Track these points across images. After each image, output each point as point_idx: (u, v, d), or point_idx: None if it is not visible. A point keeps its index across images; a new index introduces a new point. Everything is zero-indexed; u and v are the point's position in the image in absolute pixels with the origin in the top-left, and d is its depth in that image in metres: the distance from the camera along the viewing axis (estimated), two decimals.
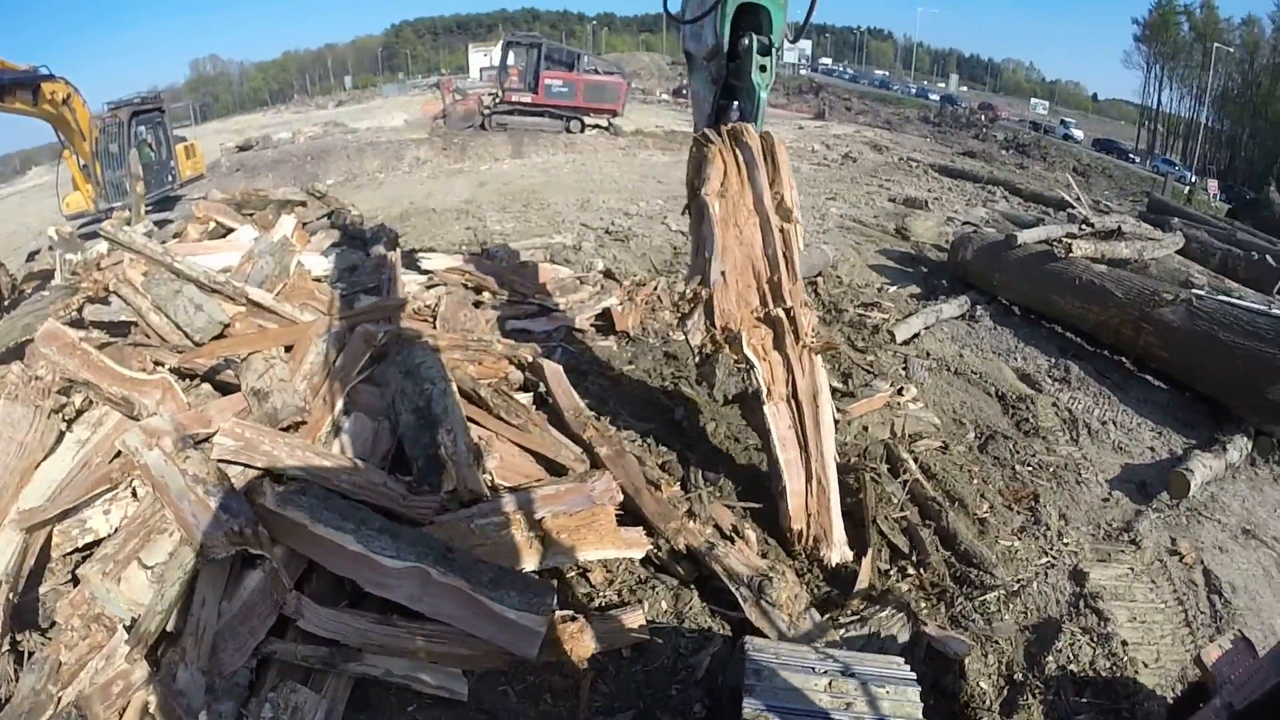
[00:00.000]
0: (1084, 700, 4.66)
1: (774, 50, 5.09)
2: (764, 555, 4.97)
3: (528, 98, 29.24)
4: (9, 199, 33.36)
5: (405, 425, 5.17)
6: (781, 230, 5.20)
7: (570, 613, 4.34)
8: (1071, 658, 4.96)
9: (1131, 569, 5.98)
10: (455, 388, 5.45)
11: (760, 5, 5.02)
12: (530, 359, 6.32)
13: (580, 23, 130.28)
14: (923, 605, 5.06)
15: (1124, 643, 5.12)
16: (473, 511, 4.56)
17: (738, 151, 5.23)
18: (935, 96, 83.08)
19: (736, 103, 5.56)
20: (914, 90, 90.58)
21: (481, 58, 74.75)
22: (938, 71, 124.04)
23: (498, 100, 29.78)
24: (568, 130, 28.88)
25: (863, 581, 4.79)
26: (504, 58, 30.51)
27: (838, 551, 4.67)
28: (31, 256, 11.20)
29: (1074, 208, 14.64)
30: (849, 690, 3.32)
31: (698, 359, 5.18)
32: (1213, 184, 50.31)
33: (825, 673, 3.42)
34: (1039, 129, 66.43)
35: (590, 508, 4.52)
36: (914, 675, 3.51)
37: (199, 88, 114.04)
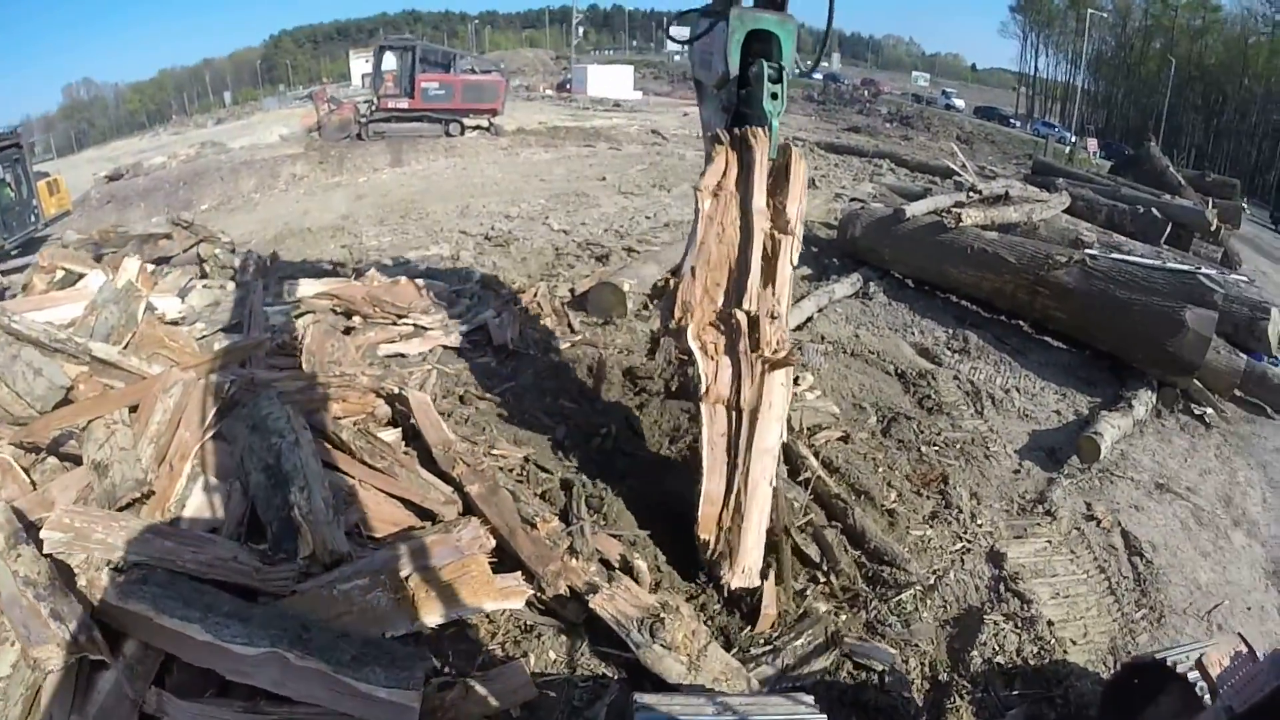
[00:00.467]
0: (1015, 692, 4.42)
1: (785, 77, 4.94)
2: (657, 585, 4.58)
3: (404, 103, 28.49)
4: None
5: (255, 486, 4.64)
6: (771, 238, 4.92)
7: (448, 677, 3.90)
8: (997, 648, 4.72)
9: (1049, 542, 5.84)
10: (310, 436, 4.92)
11: (770, 32, 4.92)
12: (397, 390, 5.82)
13: (463, 22, 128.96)
14: (841, 617, 4.73)
15: (1049, 623, 4.94)
16: (334, 576, 4.10)
17: (743, 154, 5.00)
18: (818, 76, 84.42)
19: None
20: (797, 71, 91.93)
21: (363, 64, 72.85)
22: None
23: (374, 108, 28.92)
24: (447, 134, 28.25)
25: (768, 607, 4.42)
26: (378, 63, 29.74)
27: (738, 577, 4.28)
28: None
29: (960, 175, 14.77)
30: None
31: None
32: (1092, 143, 52.44)
33: None
34: (921, 101, 68.36)
35: (460, 559, 4.07)
36: (823, 716, 3.18)
37: (73, 114, 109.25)
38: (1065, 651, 4.75)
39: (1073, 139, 55.20)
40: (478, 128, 29.81)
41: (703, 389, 4.64)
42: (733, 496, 4.46)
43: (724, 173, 5.02)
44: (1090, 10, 67.90)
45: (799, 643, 4.29)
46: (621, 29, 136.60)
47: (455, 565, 4.03)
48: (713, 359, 4.67)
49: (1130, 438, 7.46)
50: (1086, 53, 74.20)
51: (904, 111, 48.16)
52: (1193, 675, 3.48)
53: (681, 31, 5.89)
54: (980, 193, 12.73)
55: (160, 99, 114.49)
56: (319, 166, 23.19)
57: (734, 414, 4.63)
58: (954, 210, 10.84)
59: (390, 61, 29.52)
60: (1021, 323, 9.65)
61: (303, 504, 4.38)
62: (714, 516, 4.51)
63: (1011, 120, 67.89)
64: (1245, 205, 25.85)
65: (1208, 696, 3.35)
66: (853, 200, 16.15)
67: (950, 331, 9.42)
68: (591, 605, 4.00)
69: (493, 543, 4.24)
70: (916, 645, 4.63)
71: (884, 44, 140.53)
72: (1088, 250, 9.81)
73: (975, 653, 4.66)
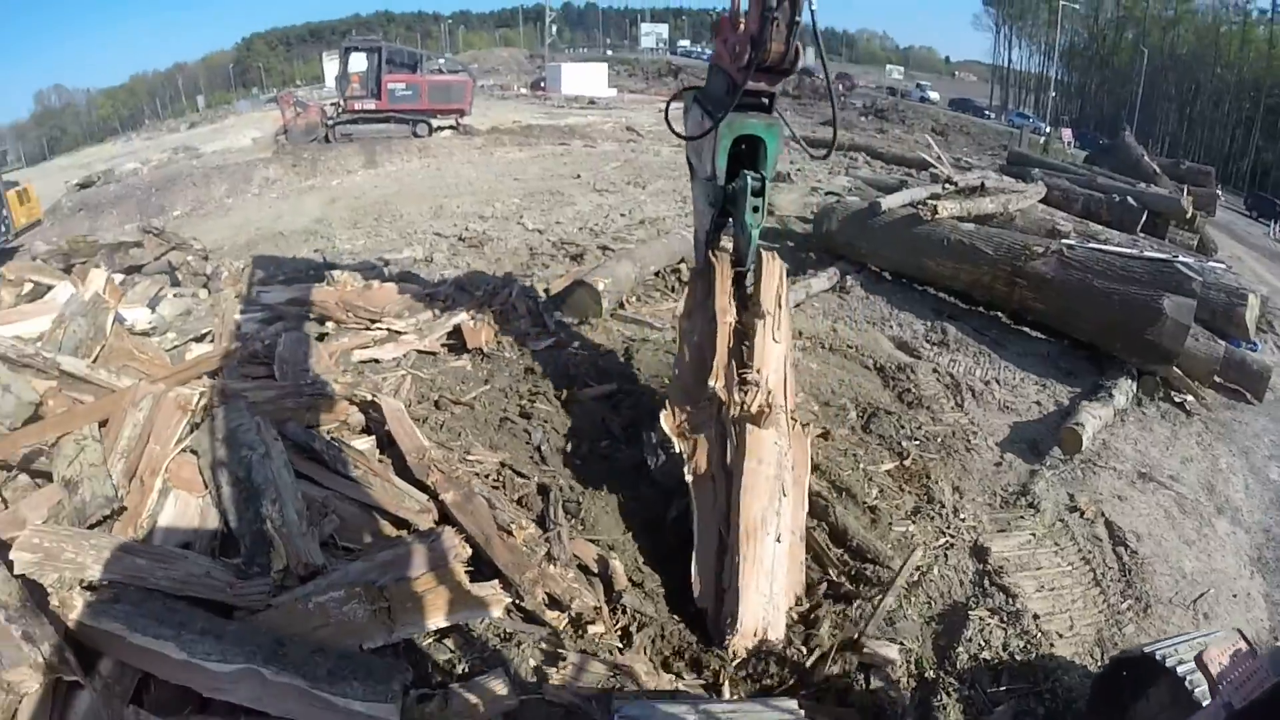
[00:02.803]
0: (1002, 688, 4.38)
1: (767, 187, 5.15)
2: (639, 585, 4.55)
3: (371, 104, 28.23)
4: None
5: (227, 499, 4.60)
6: (744, 324, 5.41)
7: (427, 690, 3.83)
8: (983, 644, 4.67)
9: (1033, 534, 5.82)
10: (281, 447, 4.88)
11: (756, 137, 5.07)
12: (369, 398, 5.75)
13: (436, 22, 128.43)
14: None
15: (1035, 616, 4.90)
16: (310, 589, 4.06)
17: (709, 274, 5.62)
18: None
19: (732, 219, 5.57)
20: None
21: (336, 65, 72.84)
22: None
23: (340, 110, 28.69)
24: (415, 134, 28.04)
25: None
26: (344, 64, 29.39)
27: (740, 639, 4.24)
28: None
29: (936, 167, 14.77)
30: None
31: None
32: (1067, 132, 52.93)
33: None
34: (896, 94, 68.60)
35: (437, 569, 4.01)
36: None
37: (45, 121, 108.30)
38: (1052, 645, 4.72)
39: (1047, 129, 55.66)
40: (446, 127, 29.63)
41: (686, 471, 4.84)
42: (727, 559, 4.46)
43: (692, 295, 5.71)
44: (1063, 2, 68.44)
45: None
46: (595, 27, 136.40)
47: (432, 575, 3.98)
48: (689, 439, 4.96)
49: (1111, 427, 7.46)
50: (1060, 44, 74.73)
51: (879, 104, 48.26)
52: (1182, 669, 3.45)
53: (677, 115, 6.17)
54: (956, 184, 12.75)
55: (132, 104, 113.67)
56: (292, 170, 22.97)
57: (716, 483, 4.77)
58: (930, 202, 10.79)
59: (357, 63, 29.12)
60: (1000, 314, 9.65)
61: (275, 517, 4.35)
62: (712, 583, 4.54)
63: (986, 112, 68.42)
64: (1220, 192, 26.14)
65: (1199, 690, 3.32)
66: (828, 194, 16.08)
67: (929, 324, 9.41)
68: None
69: (469, 551, 4.17)
70: (902, 643, 4.56)
71: (858, 38, 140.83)
72: (1065, 240, 9.82)
73: (961, 649, 4.61)
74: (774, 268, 5.60)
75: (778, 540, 4.54)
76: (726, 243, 5.82)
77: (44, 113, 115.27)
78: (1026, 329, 9.34)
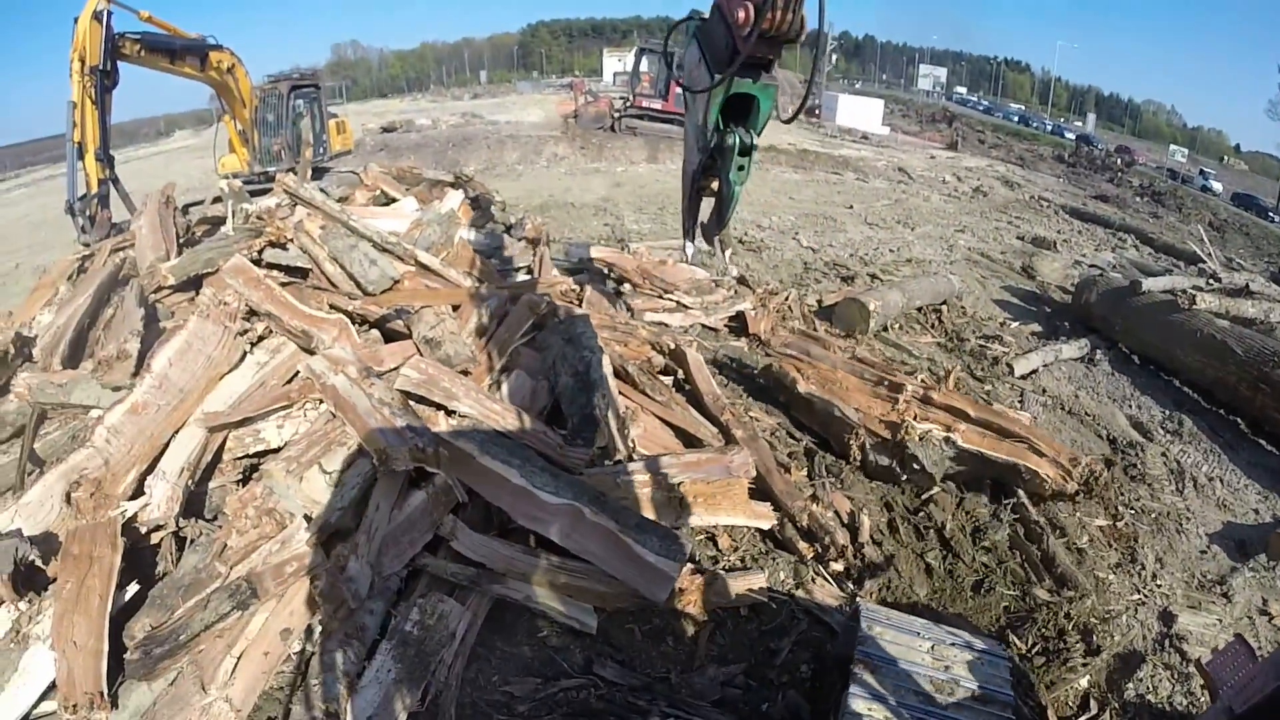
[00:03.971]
0: None
1: (754, 146, 4.97)
2: (878, 545, 5.38)
3: (658, 104, 29.54)
4: (155, 159, 35.56)
5: (564, 386, 5.63)
6: None
7: (699, 565, 4.71)
8: (1151, 689, 5.14)
9: (1220, 620, 6.01)
10: (608, 358, 5.91)
11: (750, 95, 4.83)
12: (673, 345, 6.78)
13: None
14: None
15: (1203, 685, 5.15)
16: (620, 468, 4.97)
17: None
18: (1071, 135, 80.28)
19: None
20: (1049, 127, 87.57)
21: (615, 62, 75.67)
22: (1075, 109, 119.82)
23: (628, 104, 30.26)
24: None
25: None
26: (637, 64, 31.13)
27: None
28: (186, 210, 11.86)
29: (1204, 262, 14.33)
30: (949, 656, 3.75)
31: None
32: None
33: (929, 639, 3.86)
34: (1176, 177, 63.78)
35: (726, 478, 4.93)
36: (1007, 654, 3.90)
37: (339, 70, 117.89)
38: None
39: None
40: None
41: None
42: None
43: None
44: None
45: None
46: (872, 61, 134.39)
47: (722, 482, 4.90)
48: None
49: None
50: None
51: (1157, 187, 45.34)
52: None
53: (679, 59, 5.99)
54: (1220, 281, 12.43)
55: (420, 68, 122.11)
56: (579, 151, 24.48)
57: None
58: (1190, 291, 10.76)
59: (648, 64, 30.79)
60: (1239, 419, 9.48)
61: (603, 406, 5.36)
62: None
63: (1272, 214, 62.55)
64: None
65: None
66: (1091, 267, 15.98)
67: (1166, 412, 9.47)
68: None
69: (755, 472, 5.05)
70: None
71: (1143, 109, 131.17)
72: None
73: (1130, 685, 5.12)
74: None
75: None
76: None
77: (339, 63, 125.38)
78: (1263, 440, 9.13)
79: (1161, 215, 34.08)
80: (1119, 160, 58.48)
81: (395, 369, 5.56)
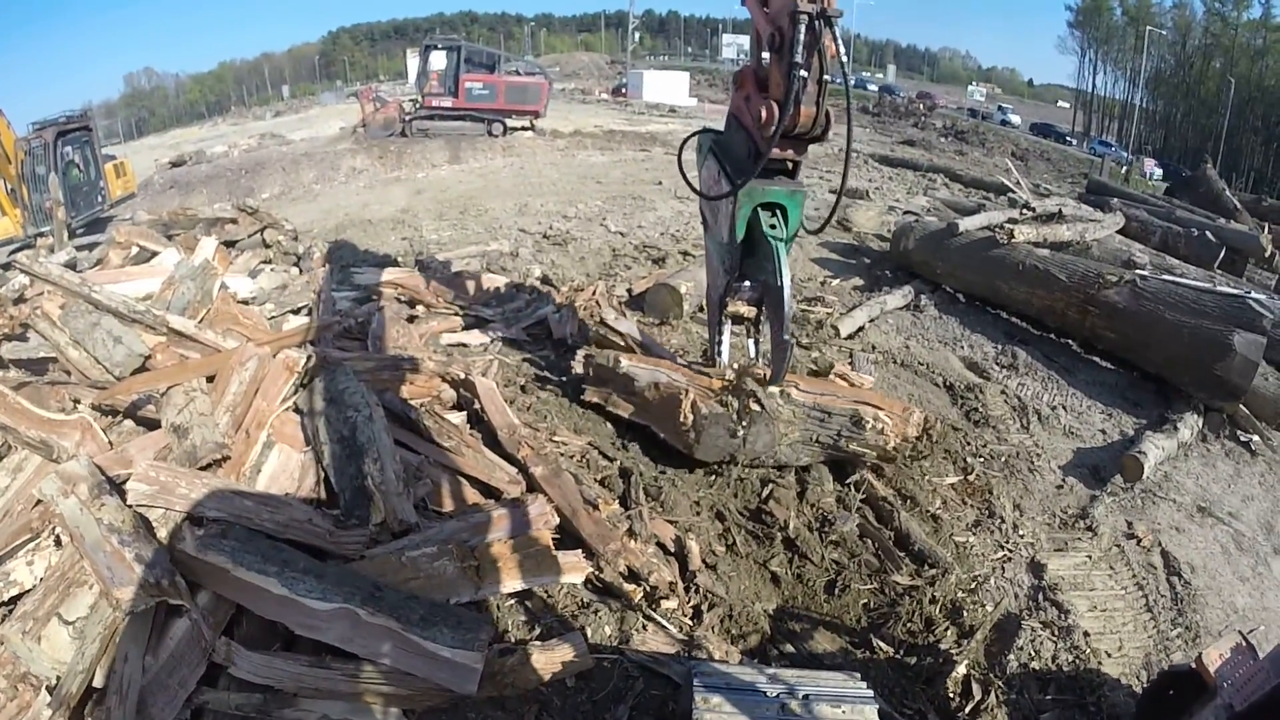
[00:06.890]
0: (1048, 697, 4.53)
1: (788, 247, 4.96)
2: (713, 568, 4.83)
3: (448, 102, 28.84)
4: None
5: (330, 456, 4.92)
6: None
7: (509, 644, 4.13)
8: (1033, 654, 4.84)
9: (1089, 556, 5.90)
10: (382, 412, 5.20)
11: (777, 204, 4.86)
12: (463, 376, 6.10)
13: (518, 24, 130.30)
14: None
15: (1086, 634, 5.01)
16: (404, 543, 4.37)
17: None
18: (873, 87, 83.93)
19: (747, 282, 5.43)
20: (852, 81, 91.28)
21: (418, 62, 74.14)
22: (875, 62, 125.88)
23: (418, 106, 29.44)
24: (490, 134, 28.50)
25: None
26: (424, 62, 30.17)
27: None
28: None
29: (1014, 192, 14.73)
30: (801, 713, 3.17)
31: None
32: (1150, 163, 51.65)
33: (776, 695, 3.27)
34: (977, 115, 67.74)
35: (525, 533, 4.31)
36: (870, 692, 3.38)
37: (134, 102, 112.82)
38: (1100, 663, 4.82)
39: (1130, 159, 54.50)
40: (520, 129, 30.02)
41: None
42: None
43: None
44: (1149, 27, 66.86)
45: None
46: (676, 35, 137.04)
47: (521, 539, 4.27)
48: None
49: (1174, 460, 7.44)
50: (1145, 70, 72.96)
51: (959, 126, 47.73)
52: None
53: (691, 162, 5.93)
54: (1034, 210, 12.71)
55: (219, 90, 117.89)
56: (378, 161, 23.60)
57: None
58: (1007, 226, 10.81)
59: (436, 61, 29.81)
60: (1071, 341, 9.63)
61: (376, 474, 4.65)
62: None
63: (1068, 138, 67.03)
64: None
65: None
66: (906, 213, 16.11)
67: (999, 347, 9.46)
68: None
69: (557, 519, 4.45)
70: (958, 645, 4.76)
71: (940, 56, 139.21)
72: (1138, 271, 9.78)
73: (1012, 656, 4.77)
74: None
75: None
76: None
77: (133, 94, 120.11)
78: (1096, 358, 9.30)
79: (966, 152, 35.79)
80: (921, 106, 61.47)
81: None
